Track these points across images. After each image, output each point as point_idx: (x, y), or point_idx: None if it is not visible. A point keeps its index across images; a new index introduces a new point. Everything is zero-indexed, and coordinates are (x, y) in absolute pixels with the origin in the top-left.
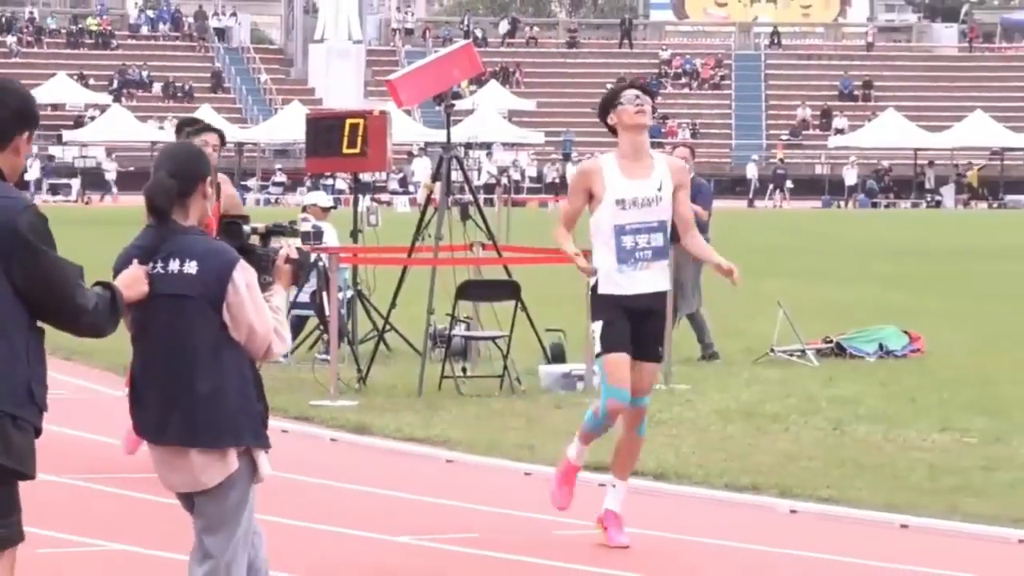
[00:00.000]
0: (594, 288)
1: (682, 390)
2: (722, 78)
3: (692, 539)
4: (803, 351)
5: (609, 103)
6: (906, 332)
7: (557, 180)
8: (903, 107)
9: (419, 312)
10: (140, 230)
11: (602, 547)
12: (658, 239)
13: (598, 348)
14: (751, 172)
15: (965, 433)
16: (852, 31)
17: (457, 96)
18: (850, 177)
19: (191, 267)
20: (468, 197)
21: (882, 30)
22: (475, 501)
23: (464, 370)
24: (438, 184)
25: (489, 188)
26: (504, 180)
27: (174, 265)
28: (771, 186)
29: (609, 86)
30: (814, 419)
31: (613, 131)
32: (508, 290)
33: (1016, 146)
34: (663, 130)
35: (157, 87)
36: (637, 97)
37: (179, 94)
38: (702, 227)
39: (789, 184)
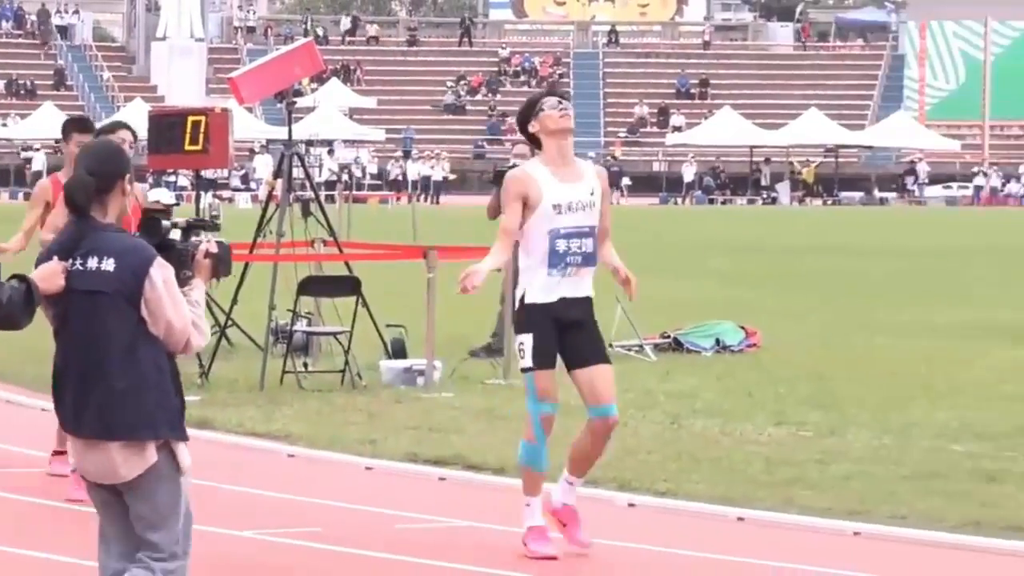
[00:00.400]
0: (522, 298)
1: (522, 385)
2: (560, 76)
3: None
4: (641, 346)
5: (529, 112)
6: (743, 327)
7: (399, 177)
8: (739, 105)
9: (261, 308)
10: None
11: (449, 544)
12: (589, 245)
13: (528, 363)
14: None
15: (800, 427)
16: (689, 30)
17: (298, 94)
18: (687, 174)
19: (108, 264)
20: (309, 194)
21: (719, 29)
22: (317, 495)
23: (306, 365)
24: (279, 181)
25: (330, 185)
26: (345, 177)
27: (92, 262)
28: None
29: (445, 83)
30: (652, 413)
31: (535, 141)
32: (349, 286)
33: (850, 143)
34: (503, 127)
35: (0, 85)
36: (560, 102)
37: (22, 92)
38: None
39: (627, 181)
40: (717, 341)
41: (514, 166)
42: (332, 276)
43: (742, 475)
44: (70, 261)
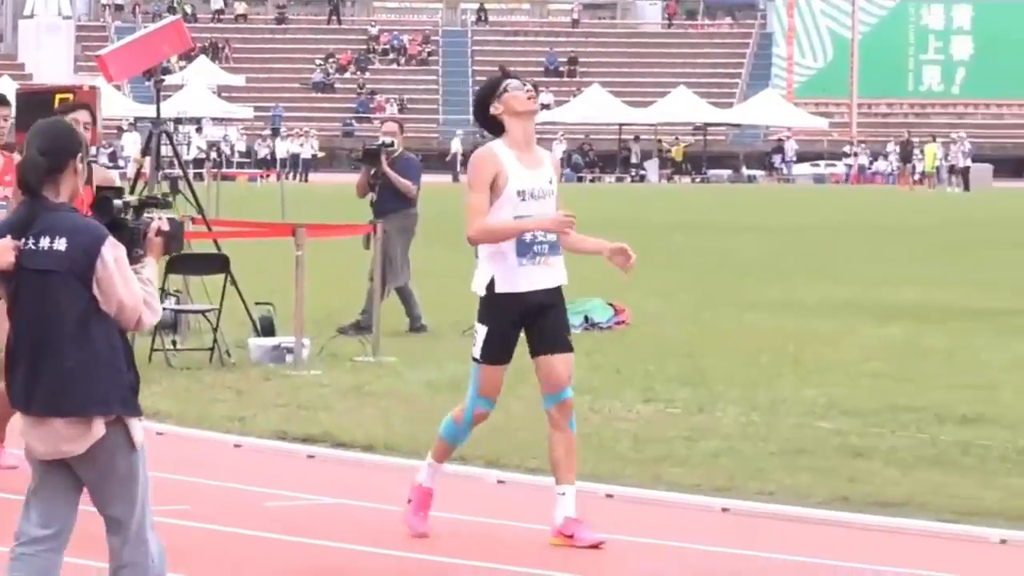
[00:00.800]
0: (489, 286)
1: (391, 362)
2: (429, 54)
3: (400, 509)
4: None
5: (491, 93)
6: (611, 305)
7: (268, 155)
8: (608, 83)
9: None
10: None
11: (318, 521)
12: (553, 233)
13: (477, 354)
14: (455, 147)
15: (669, 404)
16: (557, 8)
17: (167, 71)
18: (556, 152)
19: (60, 244)
20: (178, 172)
21: (587, 7)
22: (186, 473)
23: (174, 343)
24: (148, 159)
25: (199, 163)
26: (214, 155)
27: (44, 242)
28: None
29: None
30: (521, 389)
31: (494, 125)
32: (218, 263)
33: (718, 121)
34: (371, 105)
35: None
36: (524, 84)
37: None
38: (410, 202)
39: None
40: (586, 318)
41: (384, 144)
42: (201, 254)
43: (611, 452)
44: (22, 240)
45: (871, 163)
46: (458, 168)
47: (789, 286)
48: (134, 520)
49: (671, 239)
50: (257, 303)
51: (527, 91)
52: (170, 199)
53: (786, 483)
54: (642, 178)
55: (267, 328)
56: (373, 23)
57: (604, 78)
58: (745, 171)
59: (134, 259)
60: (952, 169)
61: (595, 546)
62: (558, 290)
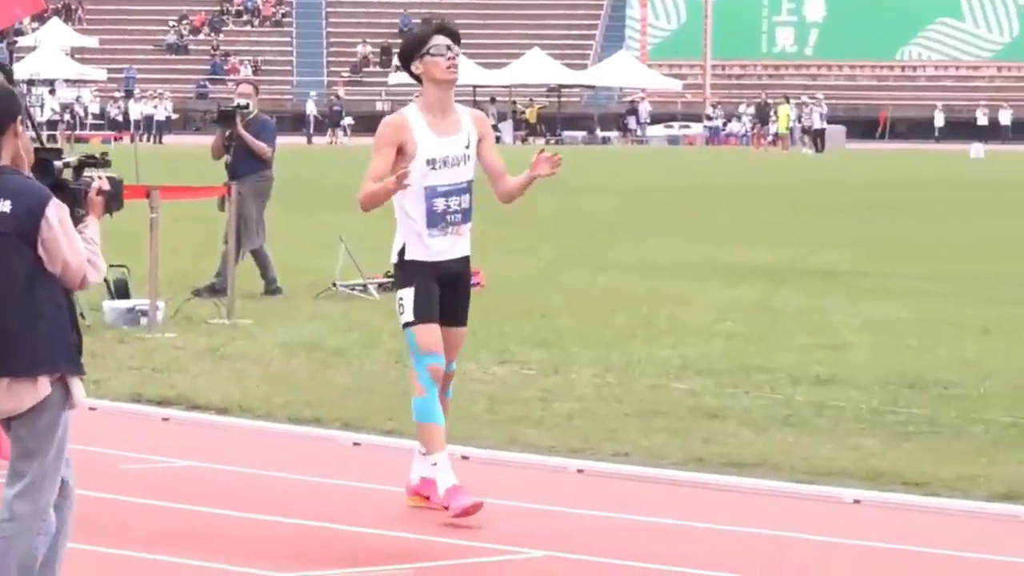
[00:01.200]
0: (400, 253)
1: (246, 325)
2: (284, 15)
3: (255, 472)
4: (365, 286)
5: (414, 50)
6: None
7: (119, 117)
8: (462, 45)
9: None
10: None
11: (173, 483)
12: (466, 201)
13: (409, 317)
14: (310, 109)
15: (524, 365)
16: None
17: (19, 33)
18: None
19: (5, 206)
20: (31, 134)
21: None
22: None
23: None
24: None
25: (52, 125)
26: (67, 117)
27: None
28: (327, 122)
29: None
30: (376, 352)
31: (416, 79)
32: None
33: (572, 83)
34: (225, 67)
35: None
36: (449, 48)
37: None
38: (265, 164)
39: (350, 121)
40: None
41: (239, 106)
42: None
43: (466, 413)
44: None
45: (725, 124)
46: (311, 130)
47: (643, 247)
48: (38, 474)
49: (524, 200)
50: (111, 265)
51: (449, 58)
52: (108, 158)
53: (641, 444)
54: (497, 139)
55: (121, 291)
56: None
57: None
58: (599, 132)
59: (76, 219)
60: (805, 130)
61: (446, 508)
62: (467, 260)
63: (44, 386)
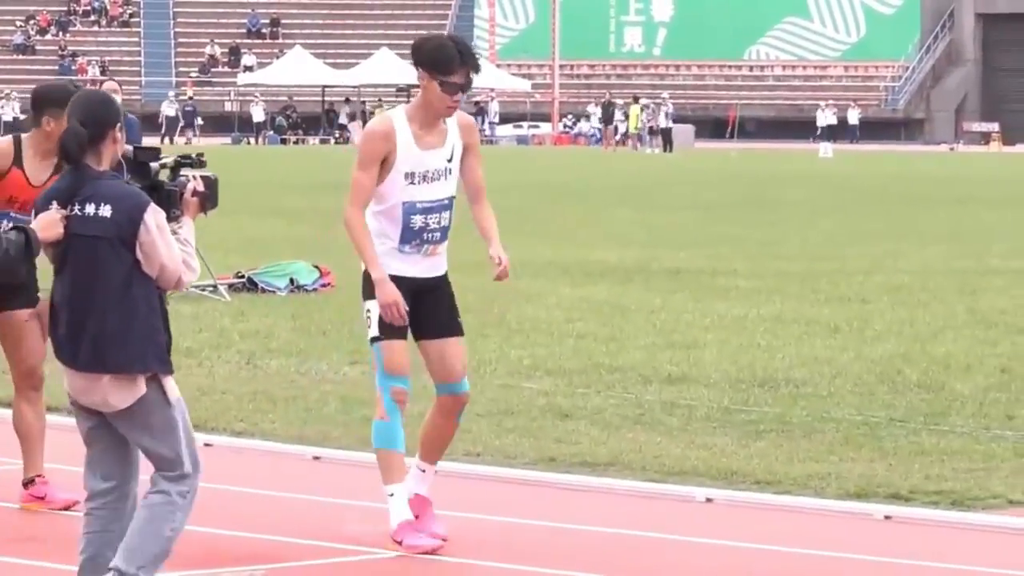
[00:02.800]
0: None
1: None
2: (131, 15)
3: None
4: (215, 286)
5: (432, 66)
6: (316, 267)
7: None
8: (310, 44)
9: None
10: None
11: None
12: (446, 218)
13: (374, 331)
14: (166, 109)
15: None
16: None
17: None
18: (257, 114)
19: (105, 210)
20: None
21: None
22: None
23: None
24: None
25: None
26: None
27: (90, 208)
28: (181, 123)
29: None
30: (227, 353)
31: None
32: None
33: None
34: (74, 68)
35: None
36: (461, 89)
37: None
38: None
39: (199, 121)
40: (291, 280)
41: None
42: None
43: (318, 414)
44: (69, 207)
45: (574, 124)
46: (164, 130)
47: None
48: (173, 464)
49: None
50: None
51: (455, 100)
52: (204, 158)
53: (493, 444)
54: (347, 140)
55: None
56: None
57: (307, 40)
58: None
59: (171, 219)
60: (652, 130)
61: (399, 543)
62: (442, 278)
63: (140, 384)
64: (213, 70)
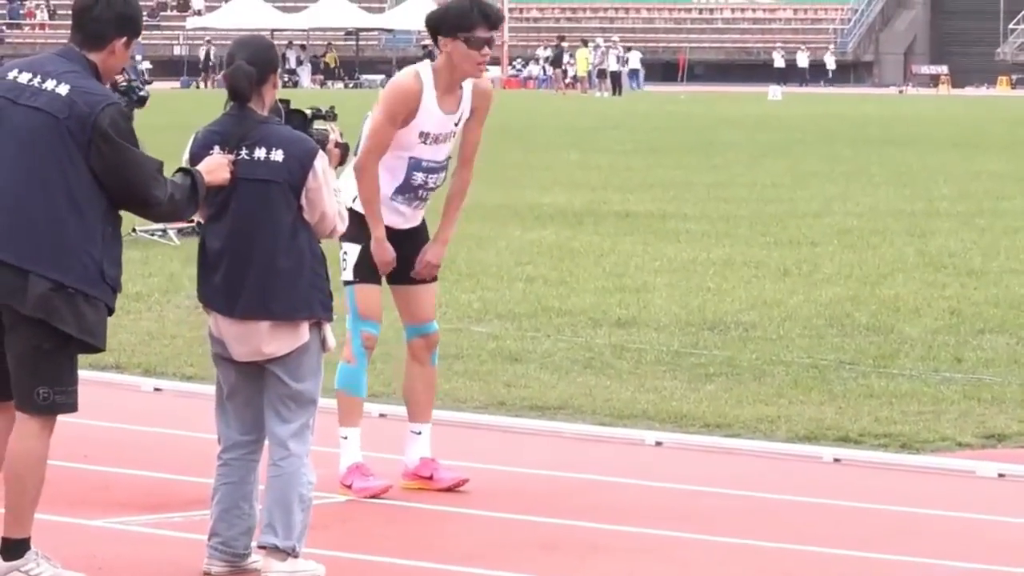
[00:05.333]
0: (356, 201)
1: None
2: None
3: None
4: (164, 231)
5: (454, 27)
6: None
7: None
8: None
9: None
10: (218, 116)
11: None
12: (442, 178)
13: (349, 275)
14: None
15: None
16: None
17: None
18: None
19: (277, 155)
20: None
21: None
22: None
23: None
24: None
25: None
26: None
27: (260, 152)
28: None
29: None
30: (176, 297)
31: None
32: None
33: (370, 26)
34: (22, 12)
35: None
36: (488, 44)
37: None
38: None
39: (147, 65)
40: None
41: None
42: None
43: None
44: (235, 151)
45: (524, 67)
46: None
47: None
48: (309, 417)
49: None
50: None
51: (483, 54)
52: (336, 111)
53: (443, 388)
54: (296, 84)
55: None
56: None
57: None
58: None
59: None
60: (602, 73)
61: (455, 486)
62: (422, 225)
63: (304, 331)
64: (162, 14)
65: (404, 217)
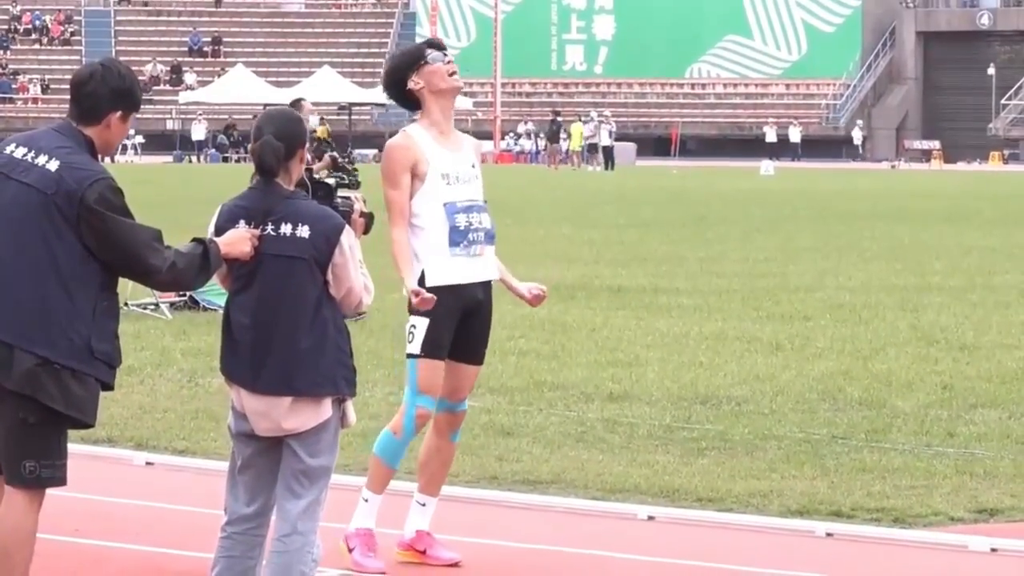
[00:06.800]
0: (421, 279)
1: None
2: (71, 34)
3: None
4: (156, 304)
5: (408, 65)
6: None
7: None
8: (251, 63)
9: None
10: (244, 190)
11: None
12: (487, 220)
13: (416, 349)
14: None
15: None
16: None
17: None
18: (197, 132)
19: (303, 231)
20: None
21: None
22: None
23: None
24: None
25: None
26: None
27: (286, 228)
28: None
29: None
30: (168, 371)
31: (410, 101)
32: None
33: (363, 101)
34: (14, 86)
35: None
36: (445, 54)
37: None
38: None
39: (140, 139)
40: None
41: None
42: None
43: None
44: (262, 227)
45: (516, 142)
46: (117, 150)
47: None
48: (320, 494)
49: None
50: None
51: (448, 62)
52: (359, 178)
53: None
54: None
55: None
56: (14, 2)
57: (248, 58)
58: None
59: None
60: (593, 148)
61: (452, 565)
62: (490, 284)
63: (327, 407)
64: (155, 88)
65: (472, 268)
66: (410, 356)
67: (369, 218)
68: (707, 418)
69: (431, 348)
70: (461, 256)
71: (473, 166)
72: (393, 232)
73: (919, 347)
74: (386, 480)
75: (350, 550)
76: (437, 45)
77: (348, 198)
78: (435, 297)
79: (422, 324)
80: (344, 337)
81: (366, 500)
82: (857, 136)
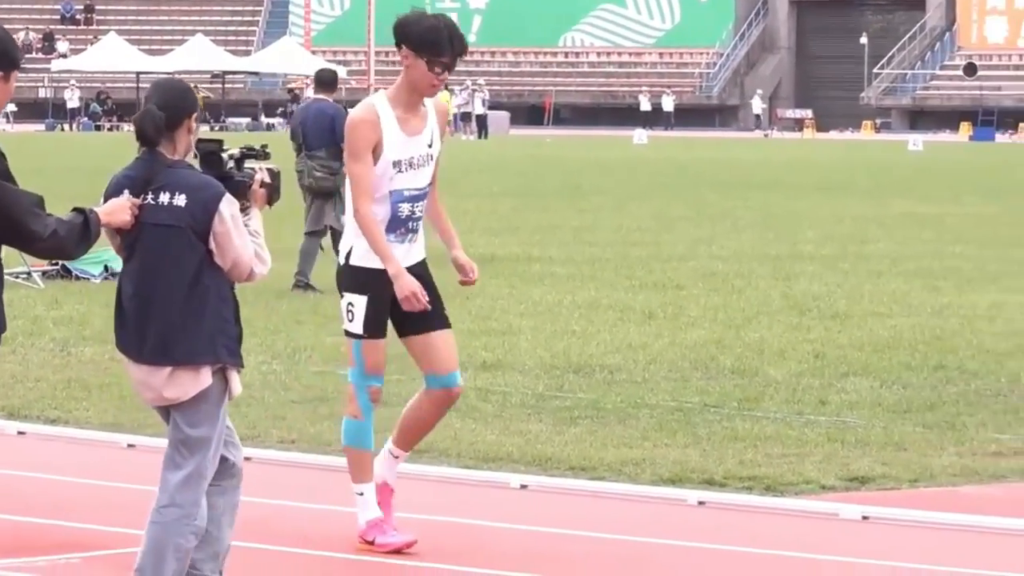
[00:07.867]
0: (348, 256)
1: None
2: None
3: None
4: (29, 273)
5: (416, 45)
6: None
7: None
8: (124, 31)
9: None
10: (131, 160)
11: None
12: (425, 205)
13: (358, 328)
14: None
15: None
16: None
17: None
18: (72, 100)
19: (180, 200)
20: None
21: None
22: None
23: None
24: None
25: None
26: None
27: (164, 197)
28: None
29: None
30: (40, 340)
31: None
32: None
33: (236, 69)
34: None
35: None
36: (445, 69)
37: None
38: None
39: (13, 108)
40: (106, 267)
41: None
42: None
43: (133, 402)
44: (142, 196)
45: None
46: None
47: (298, 232)
48: (201, 465)
49: None
50: None
51: (439, 77)
52: (269, 150)
53: (308, 431)
54: None
55: None
56: None
57: (121, 26)
58: (264, 119)
59: (240, 211)
60: (467, 117)
61: (370, 543)
62: (423, 262)
63: (206, 376)
64: (27, 56)
65: (407, 253)
66: (350, 335)
67: (272, 190)
68: (580, 387)
69: (373, 327)
70: (395, 243)
71: (430, 145)
72: (357, 206)
73: (791, 316)
74: (368, 465)
75: (371, 543)
76: (456, 49)
77: (252, 169)
78: (427, 297)
79: (360, 302)
80: (229, 307)
81: (361, 494)
82: (756, 106)
